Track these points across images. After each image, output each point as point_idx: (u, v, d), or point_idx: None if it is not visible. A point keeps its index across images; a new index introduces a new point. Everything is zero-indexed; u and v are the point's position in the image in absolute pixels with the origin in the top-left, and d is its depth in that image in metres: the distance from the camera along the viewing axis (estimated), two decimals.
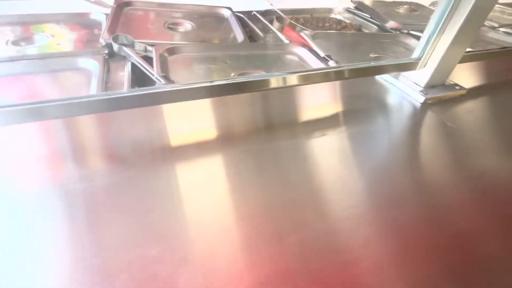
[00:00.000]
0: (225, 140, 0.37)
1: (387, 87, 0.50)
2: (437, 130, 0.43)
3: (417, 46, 0.43)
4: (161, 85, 0.31)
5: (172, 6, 0.90)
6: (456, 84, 0.51)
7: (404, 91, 0.50)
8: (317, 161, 0.36)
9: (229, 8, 0.92)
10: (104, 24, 0.72)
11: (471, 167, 0.38)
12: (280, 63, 0.63)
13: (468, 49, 0.49)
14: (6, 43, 0.63)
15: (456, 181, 0.36)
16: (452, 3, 0.37)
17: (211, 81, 0.33)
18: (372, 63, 0.41)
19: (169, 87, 0.31)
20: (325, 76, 0.39)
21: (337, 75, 0.40)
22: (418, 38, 0.81)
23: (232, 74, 0.56)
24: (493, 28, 0.99)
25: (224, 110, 0.42)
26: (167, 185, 0.31)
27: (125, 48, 0.57)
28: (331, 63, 0.60)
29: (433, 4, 1.22)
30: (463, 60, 0.49)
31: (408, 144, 0.41)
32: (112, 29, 0.69)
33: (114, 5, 0.80)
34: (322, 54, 0.63)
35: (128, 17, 0.78)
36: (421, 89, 0.47)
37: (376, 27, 0.92)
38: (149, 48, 0.60)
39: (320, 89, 0.51)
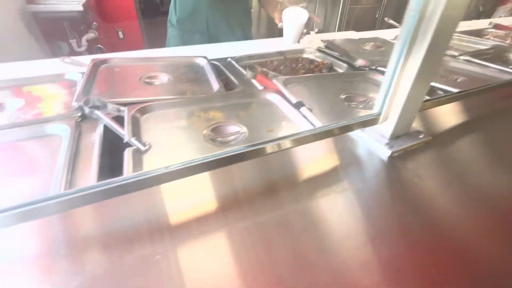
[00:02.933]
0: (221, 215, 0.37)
1: (356, 142, 0.51)
2: (405, 185, 0.42)
3: (376, 101, 0.44)
4: (152, 171, 0.31)
5: (148, 60, 0.93)
6: (420, 132, 0.52)
7: (370, 144, 0.50)
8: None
9: (205, 57, 0.96)
10: (79, 85, 0.72)
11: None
12: (255, 112, 0.64)
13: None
14: None
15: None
16: (403, 55, 0.38)
17: (206, 157, 0.33)
18: (337, 124, 0.42)
19: (158, 171, 0.31)
20: (297, 141, 0.40)
21: (307, 139, 0.40)
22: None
23: (205, 130, 0.56)
24: (454, 57, 1.06)
25: (212, 182, 0.42)
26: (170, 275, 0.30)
27: (96, 111, 0.57)
28: (303, 109, 0.61)
29: (397, 38, 1.30)
30: (423, 108, 0.50)
31: (378, 204, 0.39)
32: (86, 90, 0.69)
33: (90, 64, 0.81)
34: (294, 101, 0.64)
35: (104, 75, 0.80)
36: (386, 141, 0.48)
37: (346, 65, 0.97)
38: (121, 108, 0.60)
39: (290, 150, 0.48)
